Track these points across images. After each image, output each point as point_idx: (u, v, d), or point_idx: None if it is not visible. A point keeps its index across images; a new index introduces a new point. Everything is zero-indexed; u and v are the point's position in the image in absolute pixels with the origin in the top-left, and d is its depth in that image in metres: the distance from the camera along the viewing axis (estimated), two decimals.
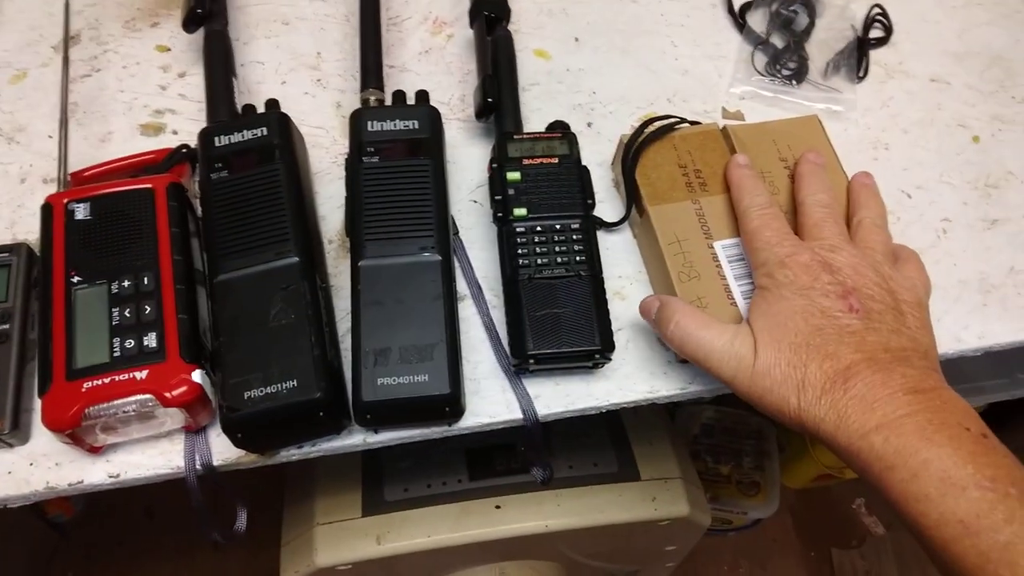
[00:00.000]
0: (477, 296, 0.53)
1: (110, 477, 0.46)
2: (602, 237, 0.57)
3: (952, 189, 0.64)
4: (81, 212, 0.47)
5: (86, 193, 0.48)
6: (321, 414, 0.42)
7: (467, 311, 0.53)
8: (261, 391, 0.42)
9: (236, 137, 0.49)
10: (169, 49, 0.63)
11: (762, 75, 0.67)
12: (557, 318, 0.48)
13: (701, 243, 0.53)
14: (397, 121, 0.51)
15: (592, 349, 0.48)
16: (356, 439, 0.48)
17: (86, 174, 0.52)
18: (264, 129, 0.50)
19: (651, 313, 0.48)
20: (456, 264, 0.54)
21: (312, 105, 0.62)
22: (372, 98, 0.54)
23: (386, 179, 0.50)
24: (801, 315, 0.42)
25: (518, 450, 0.77)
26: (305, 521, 0.76)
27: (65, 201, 0.48)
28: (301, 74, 0.64)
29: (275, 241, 0.46)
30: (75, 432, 0.42)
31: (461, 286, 0.54)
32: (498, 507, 0.75)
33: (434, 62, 0.65)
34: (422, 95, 0.55)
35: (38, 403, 0.47)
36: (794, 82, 0.66)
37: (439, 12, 0.68)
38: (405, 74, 0.64)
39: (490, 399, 0.50)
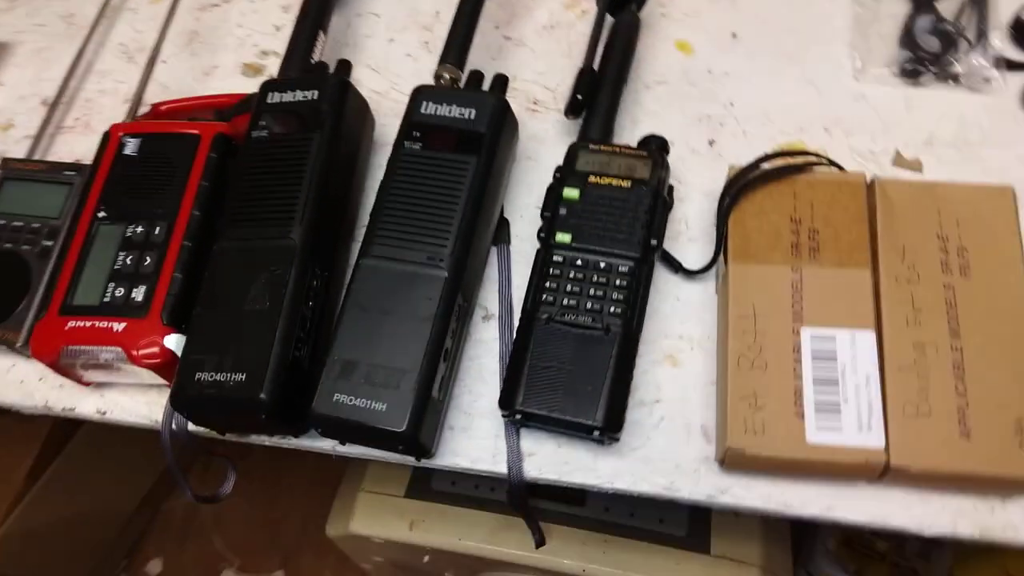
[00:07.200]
0: (504, 319, 0.46)
1: (98, 412, 0.46)
2: (678, 285, 0.47)
3: None
4: (130, 147, 0.47)
5: (141, 129, 0.48)
6: (264, 416, 0.39)
7: (488, 333, 0.46)
8: (211, 376, 0.39)
9: (287, 96, 0.46)
10: None
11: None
12: (561, 375, 0.40)
13: (784, 325, 0.41)
14: (454, 107, 0.45)
15: (589, 424, 0.39)
16: (326, 443, 0.44)
17: (163, 108, 0.52)
18: (315, 92, 0.46)
19: None
20: (498, 276, 0.47)
21: (411, 70, 0.57)
22: (446, 75, 0.48)
23: (420, 171, 0.44)
24: None
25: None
26: (356, 481, 0.75)
27: (121, 133, 0.48)
28: (412, 34, 0.59)
29: (280, 218, 0.42)
30: (57, 365, 0.43)
31: (492, 303, 0.47)
32: None
33: (556, 40, 0.57)
34: (500, 81, 0.48)
35: None
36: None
37: None
38: (520, 49, 0.57)
39: (479, 441, 0.44)
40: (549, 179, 0.50)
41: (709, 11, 0.57)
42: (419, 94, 0.46)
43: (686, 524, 0.69)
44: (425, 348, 0.40)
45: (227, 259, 0.42)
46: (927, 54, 0.52)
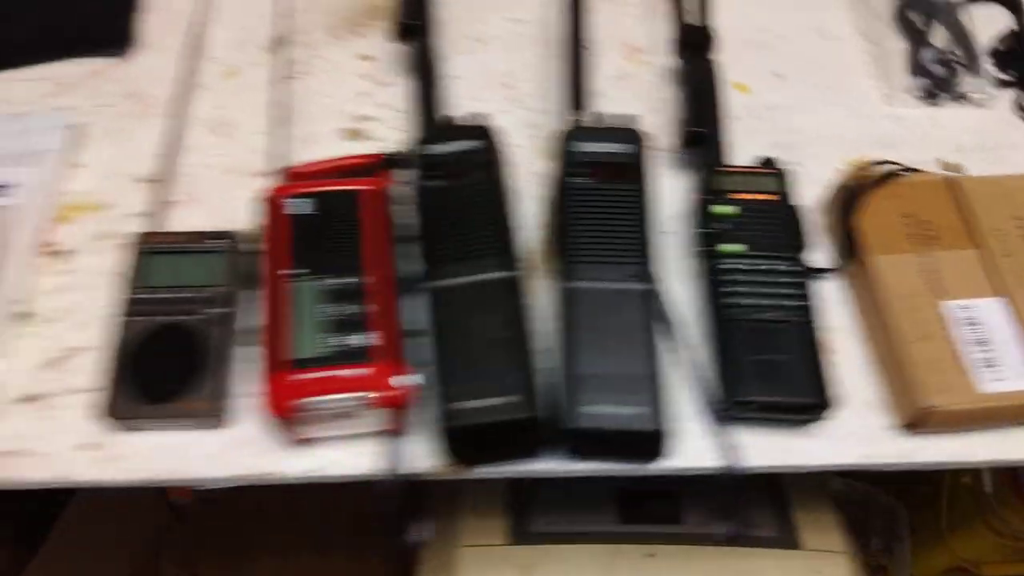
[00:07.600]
0: (673, 332, 0.50)
1: (309, 472, 0.45)
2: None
3: None
4: (305, 207, 0.48)
5: (309, 189, 0.49)
6: (534, 433, 0.41)
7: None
8: (478, 403, 0.41)
9: (447, 148, 0.49)
10: (371, 58, 0.64)
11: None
12: (773, 365, 0.45)
13: (932, 301, 0.48)
14: (608, 143, 0.50)
15: (810, 402, 0.44)
16: (556, 464, 0.46)
17: (302, 171, 0.53)
18: (475, 142, 0.49)
19: None
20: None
21: (505, 122, 0.60)
22: (585, 118, 0.53)
23: (595, 201, 0.48)
24: None
25: (674, 498, 0.72)
26: (447, 539, 0.73)
27: (288, 195, 0.49)
28: (494, 91, 0.63)
29: (492, 253, 0.46)
30: (290, 421, 0.42)
31: None
32: (651, 555, 0.70)
33: (626, 88, 0.64)
34: (630, 119, 0.54)
35: (245, 388, 0.47)
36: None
37: (630, 38, 0.66)
38: (598, 98, 0.63)
39: (687, 443, 0.47)
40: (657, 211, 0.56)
41: (750, 56, 0.66)
42: (572, 135, 0.51)
43: (774, 523, 0.73)
44: (652, 354, 0.43)
45: (451, 296, 0.44)
46: (938, 79, 0.64)
